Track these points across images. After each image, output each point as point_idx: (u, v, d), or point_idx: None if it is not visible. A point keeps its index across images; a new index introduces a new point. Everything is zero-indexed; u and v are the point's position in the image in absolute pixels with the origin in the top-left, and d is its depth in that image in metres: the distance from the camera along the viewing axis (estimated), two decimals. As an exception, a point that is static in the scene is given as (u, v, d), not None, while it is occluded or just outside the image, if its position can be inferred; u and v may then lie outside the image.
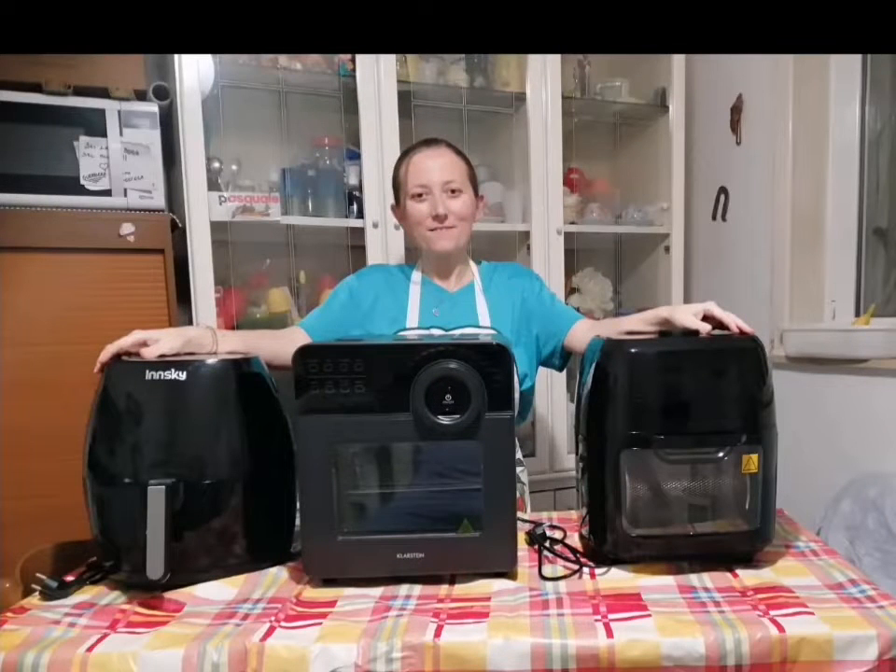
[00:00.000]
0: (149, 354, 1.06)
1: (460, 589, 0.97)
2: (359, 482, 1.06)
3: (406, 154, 1.45)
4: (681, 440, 1.00)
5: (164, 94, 1.72)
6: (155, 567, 0.91)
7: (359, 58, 1.89)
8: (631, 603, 0.91)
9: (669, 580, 0.99)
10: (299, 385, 0.96)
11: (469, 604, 0.92)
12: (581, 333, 1.37)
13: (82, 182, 1.64)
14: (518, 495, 1.25)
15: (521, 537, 1.08)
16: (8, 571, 1.16)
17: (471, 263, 1.51)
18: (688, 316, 1.11)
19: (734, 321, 1.08)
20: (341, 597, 0.96)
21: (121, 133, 1.66)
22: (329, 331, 1.36)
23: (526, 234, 2.12)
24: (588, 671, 0.82)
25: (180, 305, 1.75)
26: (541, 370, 1.51)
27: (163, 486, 0.93)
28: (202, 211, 1.75)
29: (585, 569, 1.02)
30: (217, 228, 1.78)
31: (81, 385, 1.09)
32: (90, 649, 0.83)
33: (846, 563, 1.05)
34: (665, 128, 2.28)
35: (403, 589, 0.98)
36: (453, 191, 1.39)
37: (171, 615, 0.92)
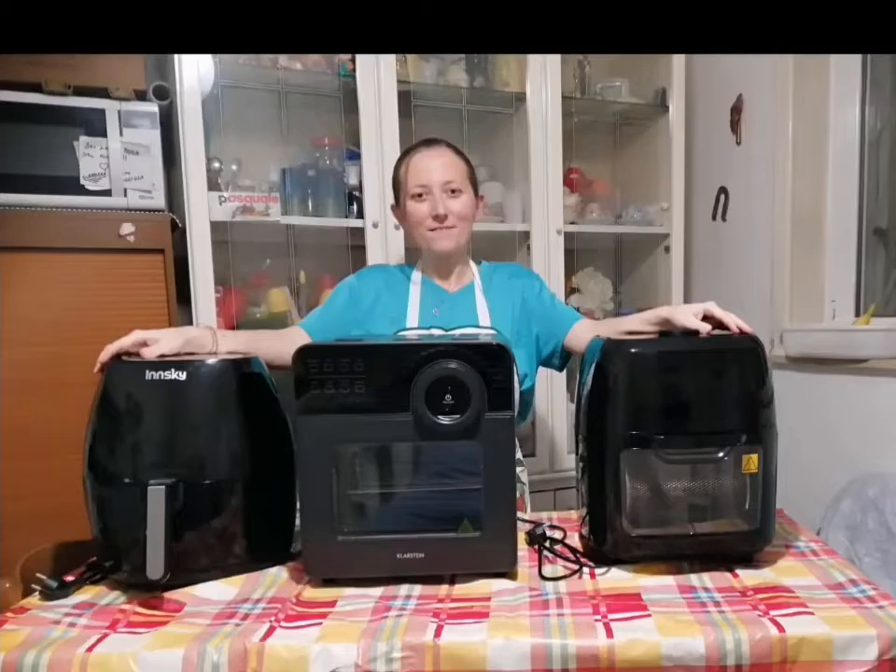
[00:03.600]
0: (149, 354, 1.06)
1: (460, 589, 0.97)
2: (359, 482, 1.06)
3: (406, 154, 1.45)
4: (681, 440, 1.00)
5: (164, 94, 1.72)
6: (155, 567, 0.91)
7: (359, 58, 1.89)
8: (631, 603, 0.91)
9: (669, 580, 0.99)
10: (299, 385, 0.96)
11: (469, 604, 0.92)
12: (582, 333, 1.37)
13: (82, 182, 1.64)
14: (518, 495, 1.25)
15: (521, 537, 1.08)
16: (8, 571, 1.15)
17: (471, 263, 1.51)
18: (688, 316, 1.11)
19: (734, 321, 1.08)
20: (341, 597, 0.96)
21: (121, 133, 1.66)
22: (329, 331, 1.36)
23: (526, 234, 2.12)
24: (588, 671, 0.82)
25: (180, 305, 1.75)
26: (541, 370, 1.51)
27: (163, 486, 0.93)
28: (202, 211, 1.74)
29: (585, 569, 1.02)
30: (217, 228, 1.78)
31: (81, 385, 1.09)
32: (90, 649, 0.83)
33: (846, 563, 1.05)
34: (665, 128, 2.27)
35: (403, 589, 0.98)
36: (453, 191, 1.39)
37: (171, 615, 0.92)
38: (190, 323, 1.76)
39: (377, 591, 0.97)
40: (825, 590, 0.94)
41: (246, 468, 1.04)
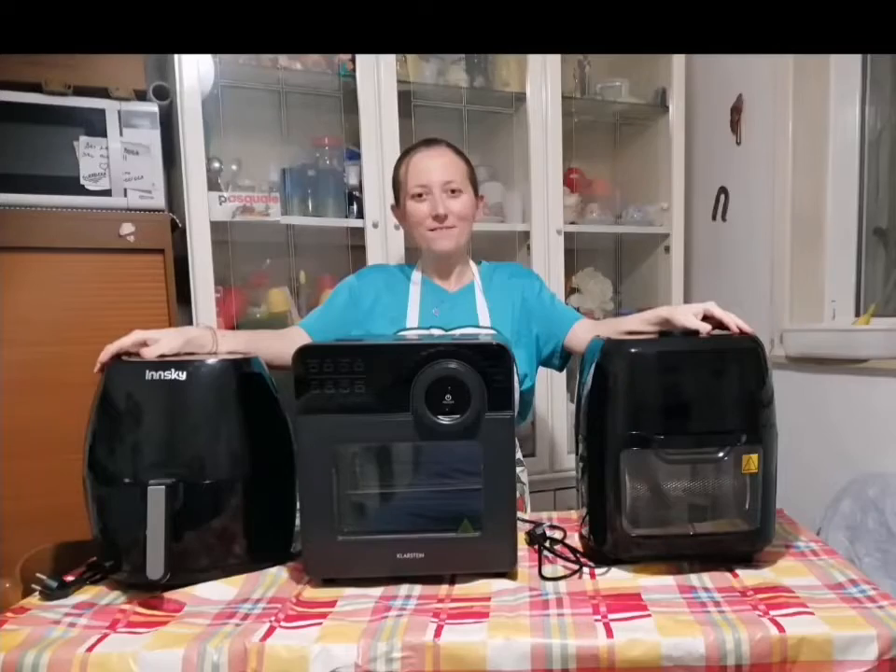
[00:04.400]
0: (149, 354, 1.06)
1: (460, 589, 0.97)
2: (359, 482, 1.06)
3: (406, 154, 1.45)
4: (681, 440, 1.00)
5: (164, 94, 1.72)
6: (155, 567, 0.91)
7: (359, 58, 1.89)
8: (631, 603, 0.91)
9: (669, 580, 0.99)
10: (299, 385, 0.96)
11: (469, 604, 0.92)
12: (582, 333, 1.37)
13: (82, 182, 1.64)
14: (518, 495, 1.25)
15: (521, 537, 1.08)
16: (8, 571, 1.15)
17: (471, 263, 1.51)
18: (688, 316, 1.11)
19: (734, 321, 1.08)
20: (341, 597, 0.96)
21: (121, 133, 1.66)
22: (329, 331, 1.36)
23: (526, 234, 2.12)
24: (588, 671, 0.82)
25: (180, 305, 1.75)
26: (541, 370, 1.51)
27: (163, 486, 0.93)
28: (202, 211, 1.74)
29: (585, 569, 1.02)
30: (217, 228, 1.78)
31: (81, 385, 1.09)
32: (90, 649, 0.83)
33: (846, 563, 1.05)
34: (665, 128, 2.27)
35: (403, 589, 0.98)
36: (453, 191, 1.39)
37: (171, 615, 0.92)
38: (190, 323, 1.76)
39: (377, 591, 0.97)
40: (825, 590, 0.94)
41: (246, 468, 1.04)
